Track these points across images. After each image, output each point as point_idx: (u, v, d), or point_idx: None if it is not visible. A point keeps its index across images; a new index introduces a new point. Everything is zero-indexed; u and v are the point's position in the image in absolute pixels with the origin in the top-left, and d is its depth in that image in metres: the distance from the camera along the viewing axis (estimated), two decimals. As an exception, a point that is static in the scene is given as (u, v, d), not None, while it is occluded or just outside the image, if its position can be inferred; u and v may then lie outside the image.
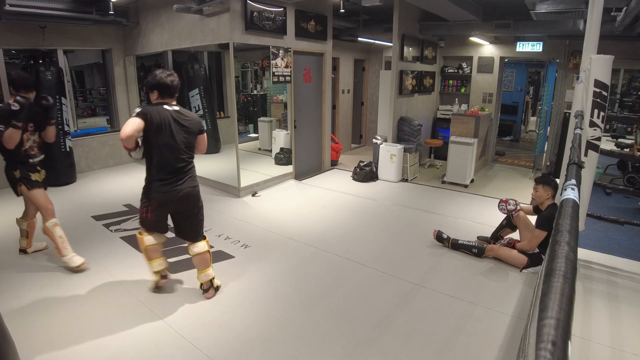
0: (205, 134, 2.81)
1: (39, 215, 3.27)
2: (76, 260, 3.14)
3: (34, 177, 3.14)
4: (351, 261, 3.41)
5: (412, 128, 6.25)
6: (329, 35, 6.09)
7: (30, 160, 3.12)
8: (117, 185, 5.57)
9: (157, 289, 2.89)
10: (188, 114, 2.66)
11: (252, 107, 8.94)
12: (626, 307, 2.76)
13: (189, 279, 3.08)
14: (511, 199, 3.43)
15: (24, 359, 1.73)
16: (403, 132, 6.30)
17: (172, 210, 2.68)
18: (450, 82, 7.61)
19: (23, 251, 3.44)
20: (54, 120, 3.24)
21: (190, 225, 2.74)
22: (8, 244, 3.66)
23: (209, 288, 2.83)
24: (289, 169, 5.97)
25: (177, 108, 2.59)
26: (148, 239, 2.70)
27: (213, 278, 2.84)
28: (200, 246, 2.76)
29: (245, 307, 2.73)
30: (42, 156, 3.23)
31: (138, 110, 2.44)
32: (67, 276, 3.07)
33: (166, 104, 2.55)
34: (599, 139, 2.97)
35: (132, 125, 2.34)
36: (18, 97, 2.89)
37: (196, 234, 2.77)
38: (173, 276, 3.09)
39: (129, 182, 5.72)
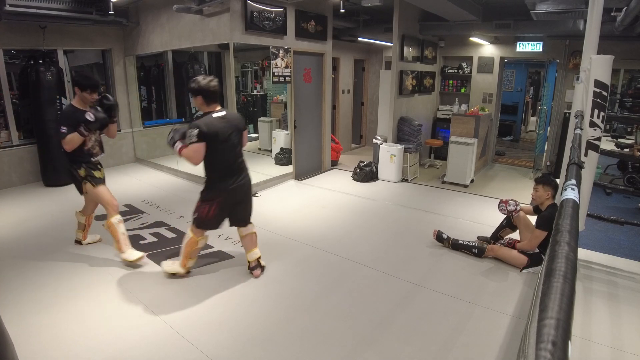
0: (246, 130, 3.02)
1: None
2: (135, 254, 3.22)
3: (97, 174, 3.21)
4: (351, 261, 3.41)
5: (412, 128, 6.25)
6: (329, 35, 6.09)
7: (92, 159, 3.20)
8: (117, 186, 5.57)
9: (173, 276, 3.09)
10: (232, 115, 2.90)
11: (252, 107, 8.94)
12: (626, 307, 2.76)
13: (189, 279, 3.08)
14: (511, 200, 3.43)
15: (24, 359, 1.73)
16: (403, 132, 6.30)
17: (236, 202, 2.95)
18: (450, 82, 7.61)
19: (78, 242, 3.57)
20: (116, 119, 3.34)
21: (245, 211, 3.06)
22: (10, 245, 3.66)
23: (256, 266, 3.12)
24: (289, 169, 5.97)
25: (222, 114, 2.79)
26: (201, 243, 2.98)
27: (259, 257, 3.15)
28: (250, 227, 3.10)
29: (245, 307, 2.73)
30: (103, 154, 3.31)
31: (195, 132, 2.61)
32: (67, 276, 3.07)
33: (213, 111, 2.77)
34: (599, 139, 2.97)
35: (200, 152, 2.66)
36: (92, 112, 3.00)
37: (248, 218, 3.09)
38: (172, 276, 3.10)
39: (129, 182, 5.73)
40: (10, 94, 5.57)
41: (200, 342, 2.35)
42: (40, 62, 5.22)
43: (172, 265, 3.07)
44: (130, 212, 4.46)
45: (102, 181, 3.24)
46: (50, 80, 5.17)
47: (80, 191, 3.25)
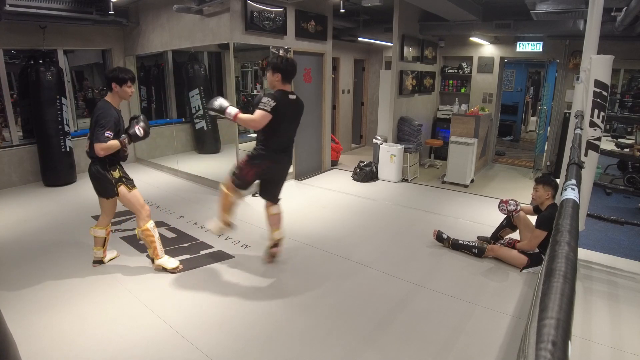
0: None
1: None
2: (173, 262, 3.16)
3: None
4: (351, 261, 3.41)
5: (412, 128, 6.25)
6: (329, 35, 6.09)
7: (123, 161, 3.05)
8: (117, 185, 5.57)
9: (221, 233, 3.35)
10: (300, 102, 3.09)
11: (252, 107, 8.93)
12: (626, 307, 2.76)
13: (189, 279, 3.08)
14: (511, 200, 3.43)
15: (24, 359, 1.73)
16: (403, 132, 6.30)
17: (272, 176, 3.15)
18: (450, 82, 7.61)
19: (99, 262, 3.24)
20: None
21: (278, 188, 3.24)
22: (10, 245, 3.66)
23: (277, 245, 3.31)
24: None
25: (295, 97, 3.01)
26: (233, 198, 3.11)
27: (282, 238, 3.32)
28: (279, 207, 3.28)
29: (246, 307, 2.73)
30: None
31: (273, 104, 2.79)
32: (67, 276, 3.07)
33: (289, 91, 2.98)
34: (599, 139, 2.97)
35: (265, 120, 2.80)
36: (145, 125, 2.90)
37: (278, 196, 3.27)
38: (172, 277, 3.10)
39: (129, 182, 5.72)
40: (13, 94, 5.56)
41: (200, 342, 2.35)
42: (40, 62, 5.22)
43: (214, 222, 3.21)
44: (130, 212, 4.45)
45: (134, 184, 3.06)
46: (50, 80, 5.17)
47: (107, 195, 2.99)
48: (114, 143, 2.80)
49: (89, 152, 2.89)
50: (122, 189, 2.97)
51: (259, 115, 2.78)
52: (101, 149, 2.75)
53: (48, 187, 5.47)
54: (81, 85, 8.51)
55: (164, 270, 3.14)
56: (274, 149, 3.01)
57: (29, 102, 5.34)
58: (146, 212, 3.06)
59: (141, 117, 3.01)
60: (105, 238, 3.20)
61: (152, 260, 3.18)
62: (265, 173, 3.08)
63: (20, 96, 5.83)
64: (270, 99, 2.81)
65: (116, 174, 2.96)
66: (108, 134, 2.75)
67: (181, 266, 3.19)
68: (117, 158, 2.96)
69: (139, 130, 2.88)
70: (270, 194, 3.26)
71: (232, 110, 2.85)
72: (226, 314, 2.64)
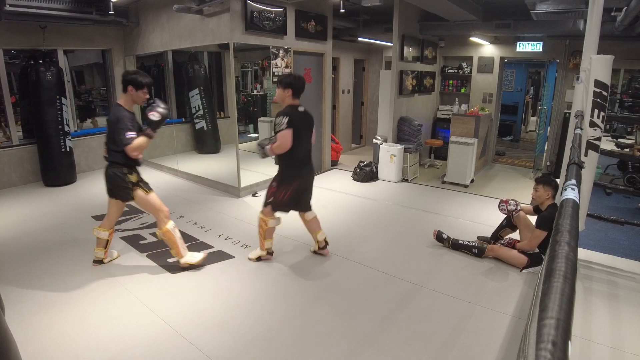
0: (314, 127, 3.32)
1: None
2: (196, 255, 3.19)
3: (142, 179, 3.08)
4: (351, 261, 3.41)
5: (412, 128, 6.24)
6: (329, 35, 6.09)
7: (140, 164, 3.05)
8: (117, 185, 5.57)
9: (258, 260, 3.37)
10: (309, 114, 3.21)
11: (252, 107, 8.94)
12: (626, 307, 2.76)
13: (189, 279, 3.08)
14: (511, 199, 3.43)
15: (24, 359, 1.73)
16: (403, 132, 6.30)
17: (305, 189, 3.28)
18: (450, 82, 7.61)
19: (99, 262, 3.25)
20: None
21: (309, 197, 3.37)
22: (10, 245, 3.66)
23: (325, 246, 3.48)
24: (289, 169, 5.96)
25: (303, 109, 3.13)
26: (271, 223, 3.23)
27: (326, 237, 3.48)
28: (313, 211, 3.41)
29: (246, 307, 2.73)
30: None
31: (286, 119, 2.96)
32: (67, 276, 3.07)
33: (297, 105, 3.09)
34: (599, 139, 2.97)
35: (289, 137, 2.97)
36: (160, 109, 2.83)
37: (310, 203, 3.39)
38: (172, 277, 3.10)
39: (129, 182, 5.72)
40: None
41: (201, 342, 2.35)
42: (40, 62, 5.22)
43: (254, 251, 3.39)
44: (130, 212, 4.46)
45: (150, 187, 3.08)
46: (50, 80, 5.17)
47: (121, 197, 3.01)
48: (142, 140, 2.81)
49: (107, 156, 2.93)
50: (138, 192, 2.99)
51: (281, 136, 2.96)
52: (132, 150, 2.76)
53: (48, 187, 5.47)
54: (78, 91, 8.49)
55: (192, 266, 3.18)
56: (297, 165, 3.14)
57: (29, 102, 5.34)
58: (165, 214, 3.07)
59: (156, 100, 2.93)
60: (108, 240, 3.21)
61: (178, 260, 3.19)
62: (298, 190, 3.21)
63: (20, 96, 5.83)
64: (282, 117, 2.97)
65: (133, 177, 2.97)
66: (130, 135, 2.75)
67: (206, 255, 3.29)
68: (134, 162, 2.97)
69: (153, 115, 2.83)
70: (303, 204, 3.36)
71: (268, 147, 3.03)
72: (226, 314, 2.64)
